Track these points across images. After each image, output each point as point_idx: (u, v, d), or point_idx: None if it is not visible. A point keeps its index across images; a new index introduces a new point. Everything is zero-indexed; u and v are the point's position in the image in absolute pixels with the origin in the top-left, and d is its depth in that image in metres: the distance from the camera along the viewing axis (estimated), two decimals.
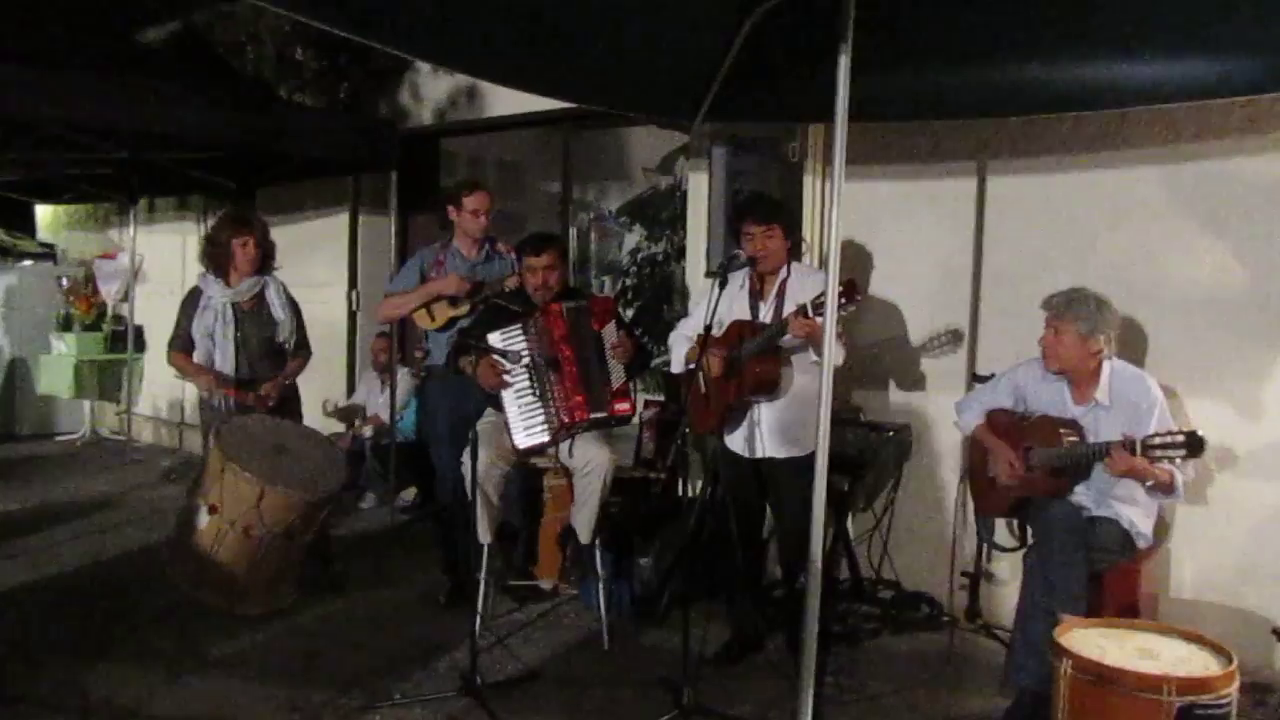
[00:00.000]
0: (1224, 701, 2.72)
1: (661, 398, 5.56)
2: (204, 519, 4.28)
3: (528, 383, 4.14)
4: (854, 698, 3.70)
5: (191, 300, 4.76)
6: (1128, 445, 3.29)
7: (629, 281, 8.19)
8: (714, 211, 5.34)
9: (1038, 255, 4.28)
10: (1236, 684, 2.77)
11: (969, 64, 3.62)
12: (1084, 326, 3.53)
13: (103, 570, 5.12)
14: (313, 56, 6.77)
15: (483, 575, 4.24)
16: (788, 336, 3.68)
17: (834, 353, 3.10)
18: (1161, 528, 3.86)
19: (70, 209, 9.78)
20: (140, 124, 5.38)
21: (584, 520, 4.19)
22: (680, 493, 4.20)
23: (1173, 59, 3.35)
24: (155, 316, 8.46)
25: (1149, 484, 3.45)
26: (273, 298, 4.77)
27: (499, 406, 4.19)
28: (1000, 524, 4.07)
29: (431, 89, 6.66)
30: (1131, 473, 3.36)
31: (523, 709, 3.58)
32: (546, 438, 4.11)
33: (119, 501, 6.61)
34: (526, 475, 4.59)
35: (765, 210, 3.97)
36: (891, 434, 4.55)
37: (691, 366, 3.92)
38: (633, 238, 8.46)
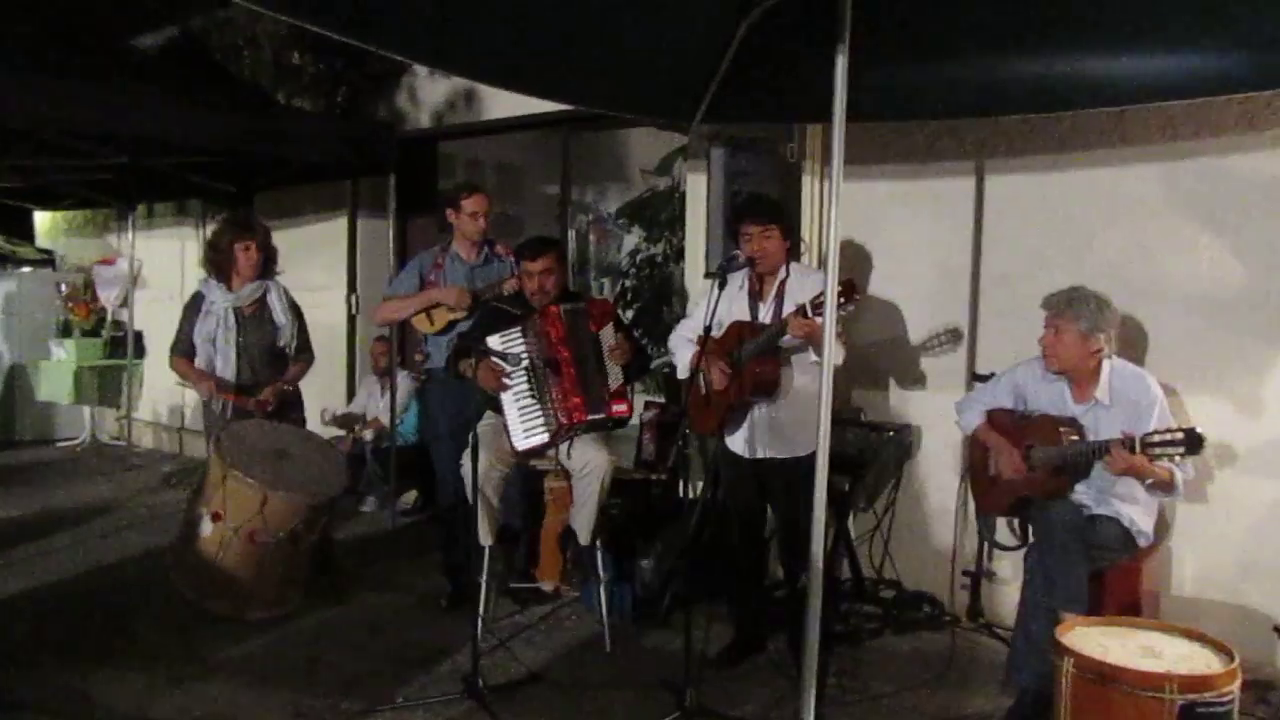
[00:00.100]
0: (1226, 699, 2.72)
1: (662, 399, 5.56)
2: (207, 526, 4.28)
3: (526, 385, 4.14)
4: (856, 698, 3.70)
5: (193, 305, 4.77)
6: (1127, 443, 3.29)
7: (628, 283, 8.21)
8: (713, 212, 5.34)
9: (1036, 254, 4.29)
10: (1238, 682, 2.77)
11: (966, 63, 3.62)
12: (1084, 325, 3.53)
13: (104, 575, 5.12)
14: (310, 61, 6.77)
15: (484, 578, 4.23)
16: (787, 337, 3.68)
17: (834, 352, 3.11)
18: (1162, 526, 3.86)
19: (69, 215, 9.77)
20: (138, 129, 5.38)
21: (583, 522, 4.20)
22: (681, 494, 4.20)
23: (1169, 56, 3.35)
24: (154, 322, 8.49)
25: (1149, 482, 3.45)
26: (274, 302, 4.78)
27: (498, 409, 4.19)
28: (1001, 523, 4.07)
29: (429, 92, 6.67)
30: (1131, 471, 3.36)
31: (525, 712, 3.58)
32: (545, 439, 4.11)
33: (120, 507, 6.61)
34: (527, 477, 4.60)
35: (763, 211, 3.97)
36: (892, 434, 4.56)
37: (695, 372, 3.91)
38: (632, 239, 8.47)
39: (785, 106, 4.16)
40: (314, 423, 5.21)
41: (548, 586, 4.74)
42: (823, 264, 4.05)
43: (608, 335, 4.18)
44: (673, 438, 4.86)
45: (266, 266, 4.79)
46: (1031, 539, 3.69)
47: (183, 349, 4.75)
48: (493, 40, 3.15)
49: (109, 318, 8.77)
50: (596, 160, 8.26)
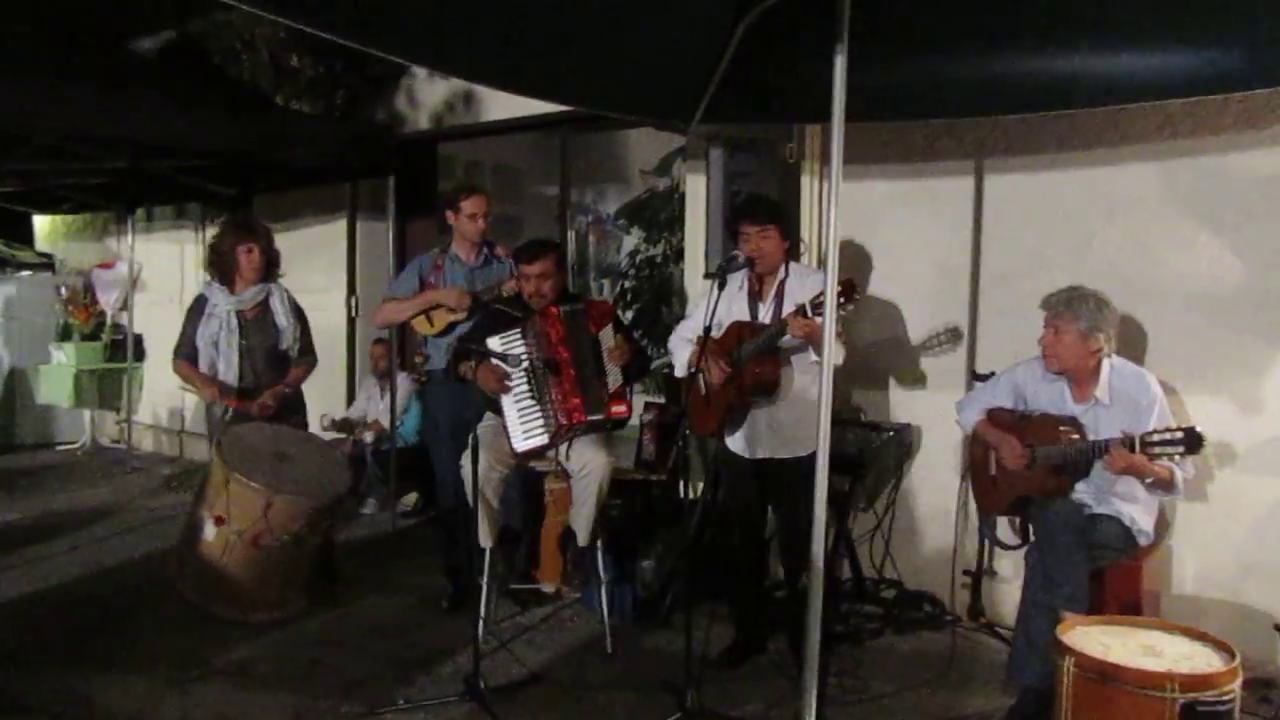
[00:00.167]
0: (1227, 698, 2.72)
1: (662, 400, 5.56)
2: (210, 530, 4.28)
3: (526, 386, 4.14)
4: (857, 698, 3.69)
5: (196, 308, 4.78)
6: (1127, 442, 3.30)
7: (628, 284, 8.20)
8: (712, 213, 5.34)
9: (1036, 253, 4.29)
10: (1239, 680, 2.77)
11: (965, 63, 3.62)
12: (1084, 325, 3.53)
13: (104, 579, 5.12)
14: (309, 63, 6.77)
15: (484, 579, 4.24)
16: (787, 337, 3.68)
17: (834, 352, 3.11)
18: (1162, 524, 3.86)
19: (68, 219, 9.77)
20: (137, 133, 5.38)
21: (582, 523, 4.20)
22: (682, 495, 4.20)
23: (1168, 55, 3.35)
24: (154, 325, 8.49)
25: (1149, 481, 3.45)
26: (276, 305, 4.78)
27: (498, 410, 4.19)
28: (1002, 521, 4.07)
29: (428, 94, 6.67)
30: (1130, 470, 3.37)
31: (526, 713, 3.59)
32: (545, 440, 4.11)
33: (120, 510, 6.61)
34: (527, 479, 4.60)
35: (760, 211, 3.97)
36: (892, 433, 4.56)
37: (694, 370, 3.92)
38: (631, 240, 8.46)
39: (784, 107, 4.17)
40: (313, 428, 5.22)
41: (548, 588, 4.74)
42: (822, 264, 4.05)
43: (607, 336, 4.18)
44: (673, 438, 4.86)
45: (269, 269, 4.80)
46: (1032, 538, 3.70)
47: (185, 352, 4.75)
48: (491, 42, 3.15)
49: (109, 321, 8.77)
50: (595, 161, 8.25)
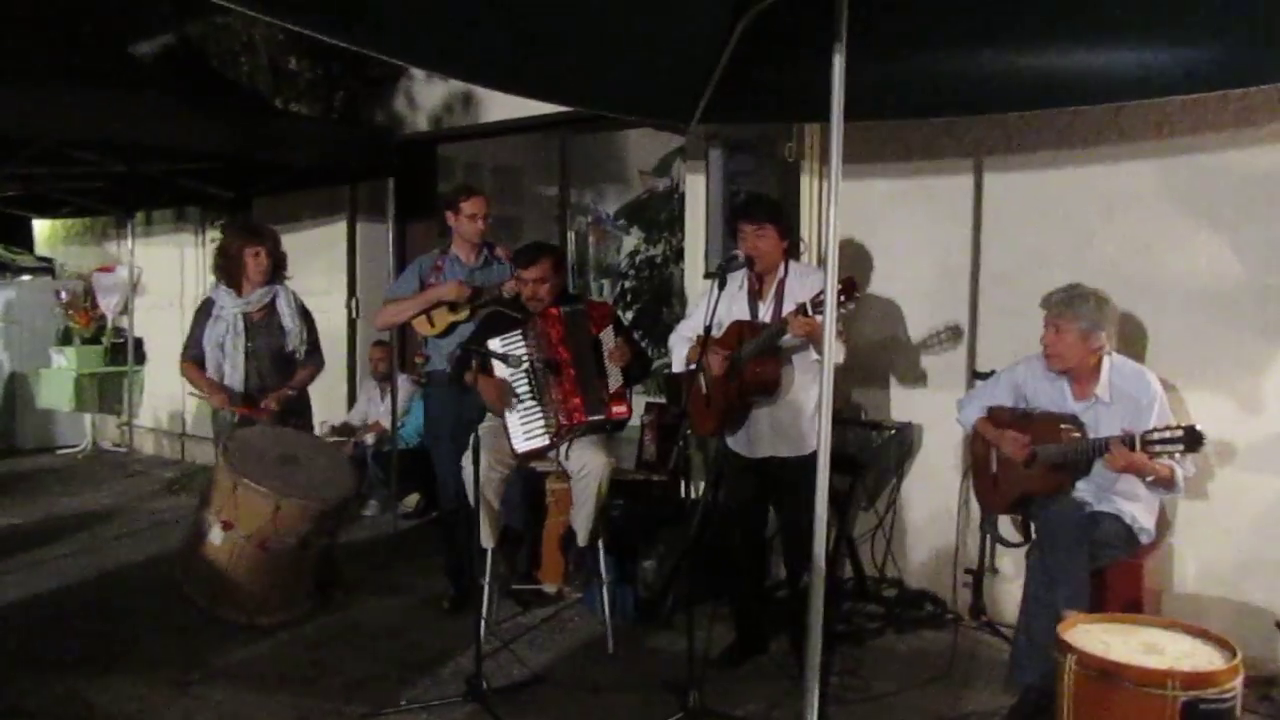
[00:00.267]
0: (1228, 696, 2.72)
1: (663, 400, 5.56)
2: (218, 534, 4.28)
3: (527, 386, 4.15)
4: (859, 697, 3.69)
5: (204, 310, 4.81)
6: (1127, 440, 3.30)
7: (628, 284, 8.21)
8: (712, 213, 5.34)
9: (1035, 251, 4.29)
10: (1241, 678, 2.77)
11: (963, 61, 3.62)
12: (1085, 324, 3.53)
13: (107, 582, 5.12)
14: (307, 66, 6.78)
15: (486, 580, 4.24)
16: (788, 336, 3.68)
17: (834, 351, 3.11)
18: (1163, 523, 3.86)
19: (67, 223, 9.79)
20: (136, 137, 5.39)
21: (581, 523, 4.20)
22: (683, 495, 4.21)
23: (1167, 52, 3.35)
24: (154, 329, 8.50)
25: (1149, 479, 3.45)
26: (283, 307, 4.79)
27: (499, 411, 4.19)
28: (1004, 519, 4.07)
29: (427, 96, 6.67)
30: (1131, 468, 3.37)
31: (528, 713, 3.59)
32: (546, 441, 4.12)
33: (121, 513, 6.61)
34: (529, 479, 4.60)
35: (757, 210, 3.97)
36: (893, 432, 4.56)
37: (693, 367, 3.92)
38: (631, 240, 8.48)
39: (783, 106, 4.17)
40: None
41: (550, 588, 4.74)
42: (822, 263, 4.05)
43: (608, 337, 4.18)
44: (674, 439, 4.86)
45: (276, 271, 4.81)
46: (1033, 536, 3.69)
47: (192, 354, 4.77)
48: (490, 42, 3.15)
49: (109, 325, 8.78)
50: (595, 162, 8.27)
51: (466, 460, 3.94)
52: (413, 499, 6.43)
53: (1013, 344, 4.01)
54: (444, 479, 4.66)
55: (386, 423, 6.42)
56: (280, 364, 4.78)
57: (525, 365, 4.11)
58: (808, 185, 4.89)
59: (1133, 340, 3.98)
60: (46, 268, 9.53)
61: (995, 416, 3.83)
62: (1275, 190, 3.79)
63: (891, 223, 4.68)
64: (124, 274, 8.60)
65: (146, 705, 3.62)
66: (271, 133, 5.89)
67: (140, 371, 8.66)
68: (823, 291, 3.18)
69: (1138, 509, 3.55)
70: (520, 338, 4.16)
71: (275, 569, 4.33)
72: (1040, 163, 4.31)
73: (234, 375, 4.70)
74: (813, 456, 3.10)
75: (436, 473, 4.80)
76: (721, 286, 3.58)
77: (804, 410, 3.82)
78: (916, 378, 4.68)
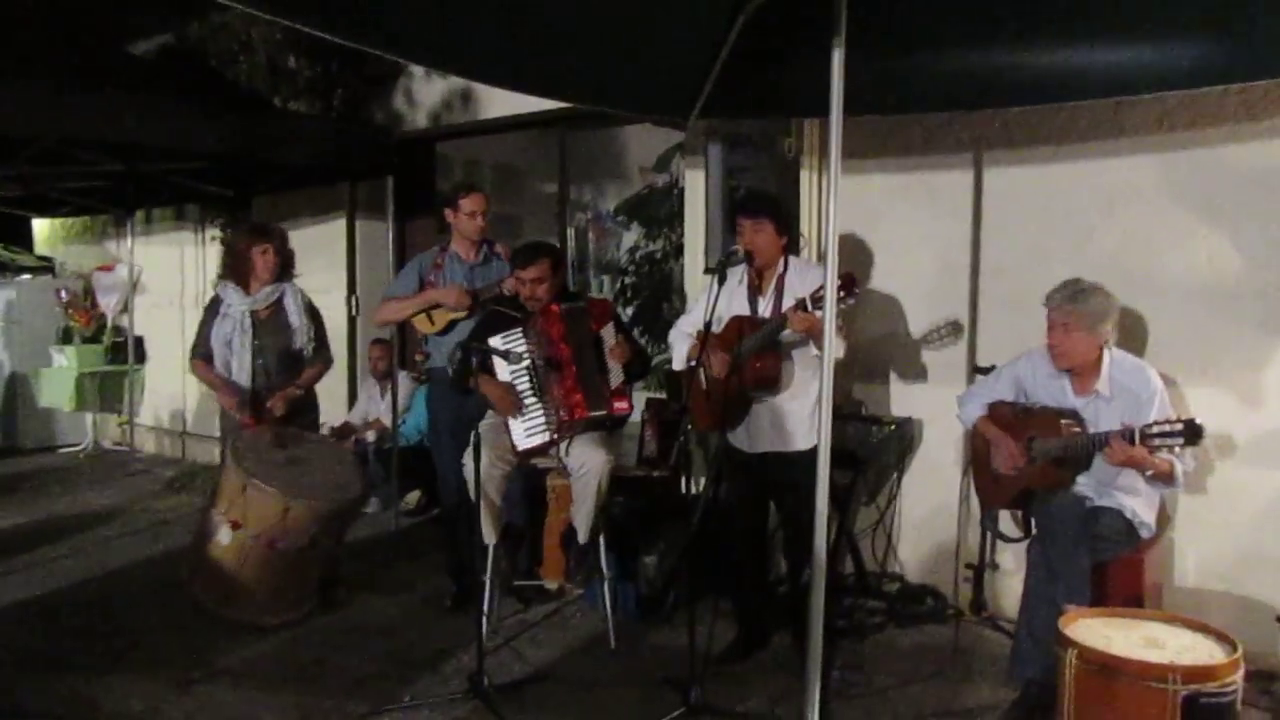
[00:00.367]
0: (1229, 689, 2.72)
1: (663, 396, 5.56)
2: (226, 535, 4.28)
3: (528, 383, 4.15)
4: (860, 692, 3.70)
5: (212, 308, 4.81)
6: (1126, 435, 3.30)
7: (628, 280, 8.21)
8: (711, 209, 5.34)
9: (1035, 246, 4.29)
10: (1241, 672, 2.78)
11: (962, 56, 3.61)
12: (1090, 321, 3.52)
13: (108, 581, 5.12)
14: (306, 64, 6.78)
15: (487, 577, 4.24)
16: (788, 331, 3.68)
17: (835, 346, 3.11)
18: (1163, 517, 3.86)
19: (67, 222, 9.79)
20: (135, 136, 5.39)
21: (581, 520, 4.20)
22: (684, 491, 4.21)
23: (1166, 47, 3.34)
24: (155, 327, 8.50)
25: (1149, 474, 3.45)
26: (290, 305, 4.79)
27: (504, 414, 4.19)
28: (1005, 514, 4.07)
29: (426, 93, 6.67)
30: (1130, 462, 3.37)
31: (530, 710, 3.59)
32: (546, 438, 4.12)
33: (123, 512, 6.61)
34: (530, 476, 4.60)
35: (754, 205, 3.98)
36: (893, 427, 4.56)
37: (694, 364, 3.92)
38: (631, 236, 8.47)
39: (782, 101, 4.16)
40: None
41: (552, 585, 4.75)
42: (822, 258, 4.05)
43: (608, 334, 4.18)
44: (675, 435, 4.87)
45: (284, 270, 4.81)
46: (1034, 531, 3.70)
47: (201, 352, 4.78)
48: (488, 39, 3.15)
49: (109, 324, 8.78)
50: (594, 158, 8.25)
51: (467, 457, 3.94)
52: (414, 496, 6.44)
53: (1013, 339, 4.01)
54: (445, 476, 4.66)
55: (387, 420, 6.42)
56: (287, 362, 4.78)
57: (526, 362, 4.11)
58: (807, 180, 4.89)
59: (1133, 335, 3.97)
60: (46, 267, 9.53)
61: (996, 413, 3.83)
62: (1276, 185, 3.79)
63: (891, 218, 4.68)
64: (124, 273, 8.61)
65: (150, 705, 3.63)
66: (271, 131, 5.90)
67: (141, 370, 8.67)
68: (822, 287, 3.18)
69: (1138, 504, 3.56)
70: (520, 335, 4.16)
71: (283, 569, 4.33)
72: (1040, 158, 4.31)
73: (241, 373, 4.70)
74: (813, 452, 3.10)
75: (437, 470, 4.80)
76: (721, 282, 3.58)
77: (804, 405, 3.83)
78: (917, 373, 4.68)
